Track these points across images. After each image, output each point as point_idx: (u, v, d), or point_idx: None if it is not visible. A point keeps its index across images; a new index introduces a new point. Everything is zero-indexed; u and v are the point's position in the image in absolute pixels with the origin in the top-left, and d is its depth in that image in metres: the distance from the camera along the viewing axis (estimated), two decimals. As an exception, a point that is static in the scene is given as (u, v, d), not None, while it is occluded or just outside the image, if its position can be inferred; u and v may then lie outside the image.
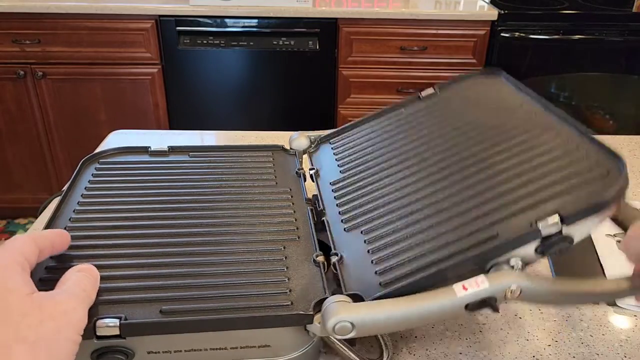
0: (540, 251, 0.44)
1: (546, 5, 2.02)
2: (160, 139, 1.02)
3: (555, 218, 0.43)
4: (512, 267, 0.44)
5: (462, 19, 1.92)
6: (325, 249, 0.53)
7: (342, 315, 0.42)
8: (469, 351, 0.55)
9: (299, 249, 0.52)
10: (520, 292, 0.42)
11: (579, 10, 1.97)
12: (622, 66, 2.02)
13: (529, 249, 0.44)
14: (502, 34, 1.93)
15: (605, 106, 2.14)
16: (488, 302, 0.42)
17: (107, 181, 0.61)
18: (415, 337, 0.56)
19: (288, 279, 0.48)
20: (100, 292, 0.44)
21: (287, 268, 0.50)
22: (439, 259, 0.47)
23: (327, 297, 0.45)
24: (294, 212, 0.58)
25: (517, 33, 1.93)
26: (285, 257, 0.51)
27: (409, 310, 0.43)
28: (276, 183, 0.63)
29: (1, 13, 1.85)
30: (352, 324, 0.42)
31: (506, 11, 1.91)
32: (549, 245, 0.43)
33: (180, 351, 0.45)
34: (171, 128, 2.08)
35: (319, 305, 0.45)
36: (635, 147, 0.97)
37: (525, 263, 0.45)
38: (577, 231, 0.44)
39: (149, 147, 0.68)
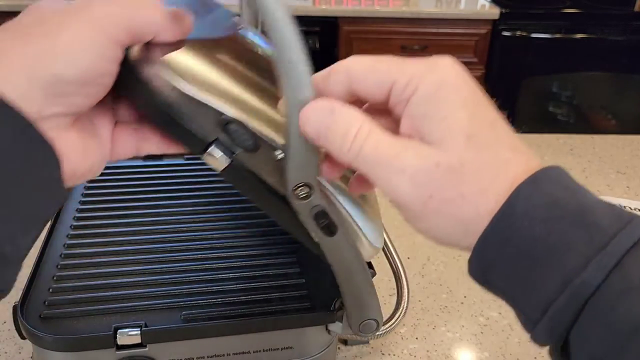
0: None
1: (548, 4, 2.01)
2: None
3: None
4: None
5: (463, 17, 1.92)
6: None
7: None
8: (470, 352, 0.54)
9: None
10: None
11: (580, 10, 1.97)
12: (624, 65, 2.01)
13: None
14: (503, 33, 1.92)
15: (607, 105, 2.13)
16: None
17: (103, 187, 0.58)
18: (416, 338, 0.56)
19: (306, 280, 0.48)
20: (118, 300, 0.44)
21: (304, 268, 0.49)
22: None
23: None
24: None
25: (518, 32, 1.92)
26: (302, 258, 0.50)
27: None
28: None
29: (0, 12, 1.84)
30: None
31: (508, 10, 1.91)
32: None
33: (203, 357, 0.45)
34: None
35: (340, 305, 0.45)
36: (637, 147, 0.96)
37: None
38: None
39: None
